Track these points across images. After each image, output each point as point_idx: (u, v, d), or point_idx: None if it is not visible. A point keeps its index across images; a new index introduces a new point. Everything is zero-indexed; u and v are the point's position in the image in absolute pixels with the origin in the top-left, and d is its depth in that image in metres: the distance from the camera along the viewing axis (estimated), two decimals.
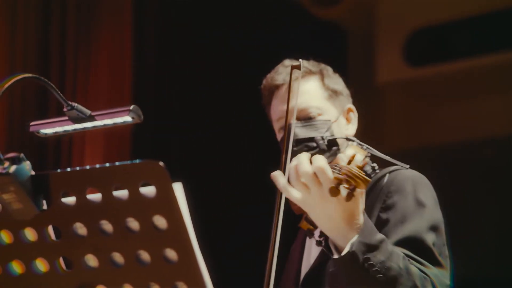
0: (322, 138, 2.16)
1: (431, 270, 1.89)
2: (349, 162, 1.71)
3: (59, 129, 1.51)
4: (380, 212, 2.02)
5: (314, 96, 2.27)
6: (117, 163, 1.31)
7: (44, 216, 1.36)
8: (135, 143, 4.60)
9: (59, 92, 1.41)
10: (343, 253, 1.76)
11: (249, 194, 3.91)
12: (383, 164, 2.13)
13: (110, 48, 4.69)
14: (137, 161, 1.31)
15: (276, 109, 2.30)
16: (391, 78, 4.98)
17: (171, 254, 1.32)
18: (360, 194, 1.74)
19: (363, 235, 1.75)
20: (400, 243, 1.92)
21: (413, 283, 1.79)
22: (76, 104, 1.46)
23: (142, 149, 4.55)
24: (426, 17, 5.00)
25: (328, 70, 2.36)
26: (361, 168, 1.71)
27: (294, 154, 2.09)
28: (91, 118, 1.47)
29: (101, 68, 4.65)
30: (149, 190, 1.30)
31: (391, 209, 2.02)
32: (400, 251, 1.84)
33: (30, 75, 1.36)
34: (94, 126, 1.49)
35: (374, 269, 1.74)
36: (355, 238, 1.75)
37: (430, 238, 1.96)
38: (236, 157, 4.28)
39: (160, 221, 1.31)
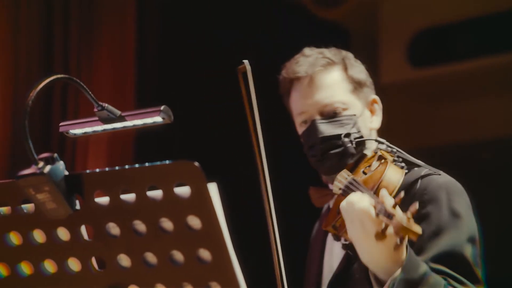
0: (351, 141, 2.09)
1: (462, 286, 1.86)
2: (394, 206, 1.69)
3: (88, 129, 1.52)
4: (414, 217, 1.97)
5: (338, 90, 2.16)
6: (151, 164, 1.31)
7: (77, 216, 1.36)
8: (139, 146, 4.59)
9: (90, 92, 1.42)
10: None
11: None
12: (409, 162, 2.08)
13: (112, 47, 4.68)
14: (167, 161, 1.31)
15: (298, 103, 2.20)
16: (394, 79, 4.99)
17: (204, 254, 1.33)
18: (405, 241, 1.72)
19: (406, 271, 1.74)
20: (437, 259, 1.87)
21: None
22: (106, 105, 1.46)
23: (146, 152, 4.55)
24: (429, 18, 5.02)
25: (350, 58, 2.24)
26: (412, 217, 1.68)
27: (321, 151, 2.10)
28: (121, 119, 1.47)
29: (104, 67, 4.64)
30: (183, 190, 1.31)
31: (425, 220, 1.92)
32: (440, 277, 1.81)
33: (62, 75, 1.37)
34: (124, 127, 1.50)
35: None
36: (397, 274, 1.74)
37: (468, 252, 1.90)
38: (244, 159, 4.28)
39: (194, 221, 1.32)
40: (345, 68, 2.19)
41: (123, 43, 4.67)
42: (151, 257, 1.36)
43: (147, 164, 1.31)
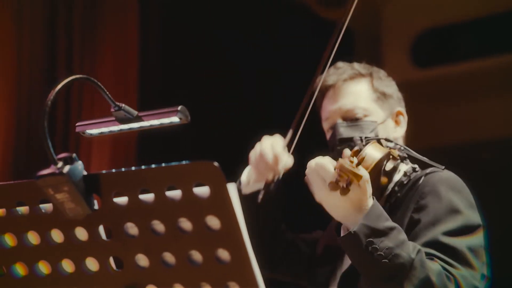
0: (361, 139, 2.16)
1: (459, 270, 1.87)
2: (355, 156, 1.79)
3: (105, 129, 1.52)
4: (412, 213, 2.01)
5: (361, 97, 2.28)
6: (171, 164, 1.32)
7: (96, 216, 1.36)
8: (142, 147, 4.59)
9: (107, 92, 1.42)
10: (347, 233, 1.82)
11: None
12: (424, 166, 2.13)
13: (115, 46, 4.68)
14: (186, 161, 1.31)
15: (325, 109, 2.33)
16: (397, 79, 4.98)
17: (223, 254, 1.33)
18: (357, 186, 1.79)
19: (367, 218, 1.81)
20: (429, 244, 1.91)
21: (426, 276, 1.79)
22: (123, 105, 1.47)
23: (149, 152, 4.55)
24: (432, 18, 5.03)
25: (380, 73, 2.38)
26: (360, 163, 1.77)
27: (337, 153, 2.16)
28: (138, 119, 1.48)
29: (107, 66, 4.64)
30: (202, 190, 1.31)
31: (423, 210, 2.00)
32: (421, 248, 1.85)
33: (80, 76, 1.37)
34: (141, 127, 1.50)
35: (378, 253, 1.77)
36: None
37: (462, 241, 1.92)
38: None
39: (213, 221, 1.32)
40: (371, 80, 2.32)
41: (126, 42, 4.67)
42: (169, 257, 1.36)
43: (166, 164, 1.31)
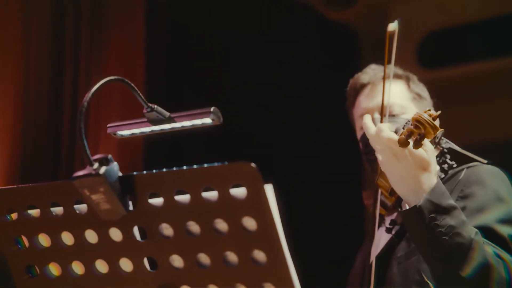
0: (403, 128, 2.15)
1: (507, 256, 1.88)
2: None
3: (136, 130, 1.52)
4: (457, 200, 1.99)
5: (399, 95, 2.33)
6: (207, 165, 1.32)
7: (131, 216, 1.36)
8: (149, 150, 4.59)
9: (140, 94, 1.42)
10: (410, 207, 1.81)
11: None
12: (461, 162, 2.15)
13: (122, 48, 4.69)
14: (224, 162, 1.31)
15: (360, 106, 2.36)
16: None
17: (259, 255, 1.33)
18: (430, 147, 1.80)
19: (432, 194, 1.79)
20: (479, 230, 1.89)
21: (485, 258, 1.78)
22: (156, 106, 1.47)
23: (155, 156, 4.55)
24: (439, 20, 5.04)
25: (414, 77, 2.45)
26: (434, 119, 1.75)
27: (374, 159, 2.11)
28: (170, 120, 1.48)
29: (113, 67, 4.65)
30: (239, 192, 1.31)
31: (468, 198, 2.01)
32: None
33: (116, 77, 1.37)
34: (172, 128, 1.50)
35: (439, 229, 1.76)
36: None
37: (506, 230, 1.93)
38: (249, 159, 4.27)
39: (250, 223, 1.32)
40: (408, 82, 2.39)
41: (132, 44, 4.68)
42: (204, 258, 1.36)
43: (202, 165, 1.31)
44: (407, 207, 1.84)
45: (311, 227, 4.11)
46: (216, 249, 1.35)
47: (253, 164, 1.28)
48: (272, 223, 1.30)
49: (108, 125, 1.53)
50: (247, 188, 1.29)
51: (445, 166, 2.16)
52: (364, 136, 2.25)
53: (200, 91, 4.69)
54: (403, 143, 1.74)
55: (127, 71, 4.65)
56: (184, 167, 1.33)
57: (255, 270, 1.33)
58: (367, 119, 1.95)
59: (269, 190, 1.30)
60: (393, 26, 2.12)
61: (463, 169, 2.11)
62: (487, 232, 1.90)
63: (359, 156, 2.32)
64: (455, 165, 2.16)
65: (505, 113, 4.84)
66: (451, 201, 1.82)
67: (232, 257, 1.35)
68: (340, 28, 5.09)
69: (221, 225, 1.34)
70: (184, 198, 1.34)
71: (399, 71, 2.41)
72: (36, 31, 4.31)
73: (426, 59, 5.05)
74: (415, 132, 1.74)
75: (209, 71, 4.74)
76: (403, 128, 1.85)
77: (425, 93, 2.43)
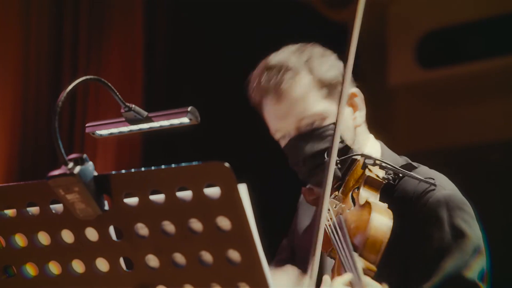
0: (336, 163, 1.91)
1: None
2: None
3: (114, 130, 1.52)
4: (415, 244, 1.84)
5: (309, 100, 2.00)
6: (181, 164, 1.32)
7: (106, 216, 1.36)
8: (147, 148, 4.60)
9: (117, 93, 1.42)
10: None
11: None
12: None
13: (121, 46, 4.69)
14: (197, 162, 1.31)
15: (271, 122, 2.08)
16: (402, 80, 5.00)
17: (234, 255, 1.33)
18: None
19: None
20: (442, 284, 1.80)
21: None
22: (133, 106, 1.47)
23: (154, 154, 4.55)
24: (438, 19, 5.03)
25: (314, 55, 2.06)
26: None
27: (307, 169, 1.99)
28: (148, 120, 1.48)
29: (112, 66, 4.65)
30: (213, 191, 1.31)
31: (426, 241, 1.84)
32: None
33: (91, 77, 1.37)
34: (150, 128, 1.50)
35: None
36: None
37: (474, 271, 1.81)
38: (254, 159, 4.28)
39: (224, 222, 1.32)
40: (312, 72, 2.01)
41: (132, 42, 4.68)
42: (179, 258, 1.36)
43: (176, 165, 1.31)
44: None
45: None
46: (191, 249, 1.35)
47: (226, 164, 1.28)
48: (246, 223, 1.30)
49: (86, 125, 1.54)
50: (220, 188, 1.29)
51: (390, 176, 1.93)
52: (285, 149, 2.05)
53: (201, 89, 4.69)
54: None
55: (126, 71, 4.66)
56: (159, 167, 1.33)
57: (230, 270, 1.33)
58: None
59: (243, 189, 1.30)
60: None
61: (411, 199, 1.88)
62: (452, 280, 1.79)
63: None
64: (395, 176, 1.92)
65: (504, 112, 4.83)
66: None
67: (207, 256, 1.35)
68: (338, 27, 5.08)
69: (196, 224, 1.34)
70: (159, 197, 1.34)
71: (297, 63, 2.01)
72: (35, 30, 4.32)
73: (425, 58, 5.04)
74: None
75: (209, 70, 4.74)
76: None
77: (333, 71, 2.03)
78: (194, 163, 1.31)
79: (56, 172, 1.31)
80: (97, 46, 4.60)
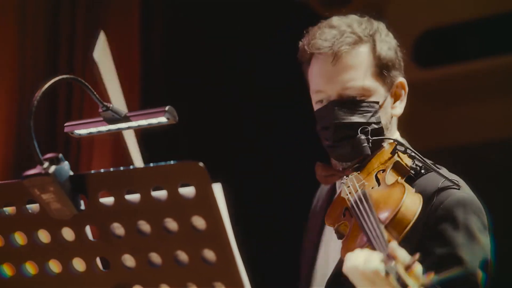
0: (368, 140, 1.93)
1: None
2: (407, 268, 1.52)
3: (93, 130, 1.52)
4: (426, 238, 1.83)
5: (362, 73, 1.97)
6: (156, 164, 1.32)
7: (82, 216, 1.36)
8: (144, 146, 4.59)
9: (94, 93, 1.42)
10: None
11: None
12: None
13: (118, 47, 4.67)
14: (172, 162, 1.31)
15: (317, 80, 2.02)
16: None
17: (209, 254, 1.33)
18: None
19: None
20: (448, 282, 1.70)
21: None
22: (111, 105, 1.47)
23: (151, 152, 4.54)
24: (435, 18, 5.01)
25: (382, 32, 2.07)
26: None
27: (334, 138, 1.96)
28: (126, 119, 1.48)
29: None
30: (188, 191, 1.31)
31: (439, 238, 1.83)
32: None
33: (67, 76, 1.37)
34: (129, 127, 1.50)
35: None
36: None
37: (479, 279, 1.82)
38: (249, 158, 4.27)
39: (199, 222, 1.32)
40: (374, 47, 2.01)
41: (128, 43, 4.67)
42: (155, 257, 1.36)
43: (151, 164, 1.31)
44: None
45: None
46: (167, 248, 1.35)
47: (201, 164, 1.28)
48: (220, 222, 1.30)
49: (64, 124, 1.54)
50: (195, 188, 1.29)
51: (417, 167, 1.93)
52: (320, 111, 2.02)
53: (196, 89, 4.69)
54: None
55: (122, 70, 4.65)
56: (134, 166, 1.33)
57: (206, 269, 1.34)
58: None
59: (217, 189, 1.30)
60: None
61: (434, 194, 1.86)
62: (459, 281, 1.76)
63: (314, 156, 2.10)
64: (423, 170, 1.93)
65: (503, 112, 4.81)
66: None
67: (182, 256, 1.35)
68: None
69: (171, 224, 1.34)
70: (135, 197, 1.34)
71: (363, 32, 2.02)
72: (32, 30, 4.32)
73: (422, 58, 5.01)
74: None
75: (206, 70, 4.74)
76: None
77: (391, 52, 2.06)
78: (168, 162, 1.31)
79: (31, 172, 1.31)
80: (94, 45, 4.59)
